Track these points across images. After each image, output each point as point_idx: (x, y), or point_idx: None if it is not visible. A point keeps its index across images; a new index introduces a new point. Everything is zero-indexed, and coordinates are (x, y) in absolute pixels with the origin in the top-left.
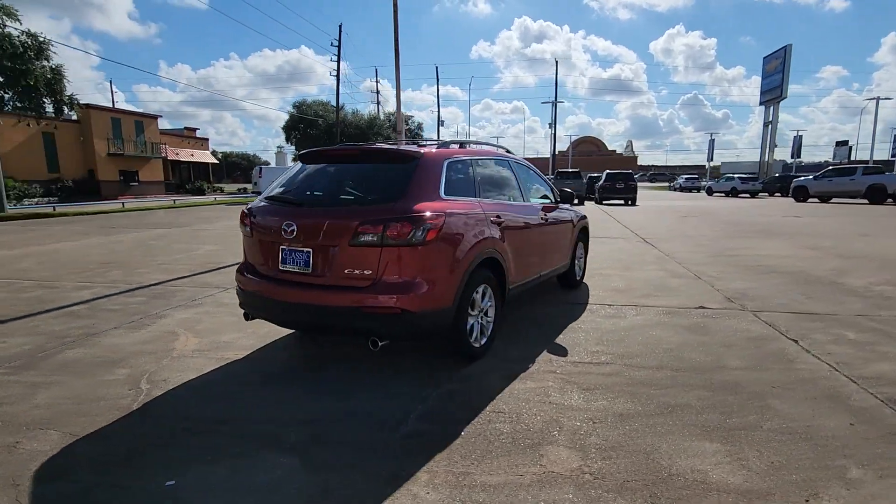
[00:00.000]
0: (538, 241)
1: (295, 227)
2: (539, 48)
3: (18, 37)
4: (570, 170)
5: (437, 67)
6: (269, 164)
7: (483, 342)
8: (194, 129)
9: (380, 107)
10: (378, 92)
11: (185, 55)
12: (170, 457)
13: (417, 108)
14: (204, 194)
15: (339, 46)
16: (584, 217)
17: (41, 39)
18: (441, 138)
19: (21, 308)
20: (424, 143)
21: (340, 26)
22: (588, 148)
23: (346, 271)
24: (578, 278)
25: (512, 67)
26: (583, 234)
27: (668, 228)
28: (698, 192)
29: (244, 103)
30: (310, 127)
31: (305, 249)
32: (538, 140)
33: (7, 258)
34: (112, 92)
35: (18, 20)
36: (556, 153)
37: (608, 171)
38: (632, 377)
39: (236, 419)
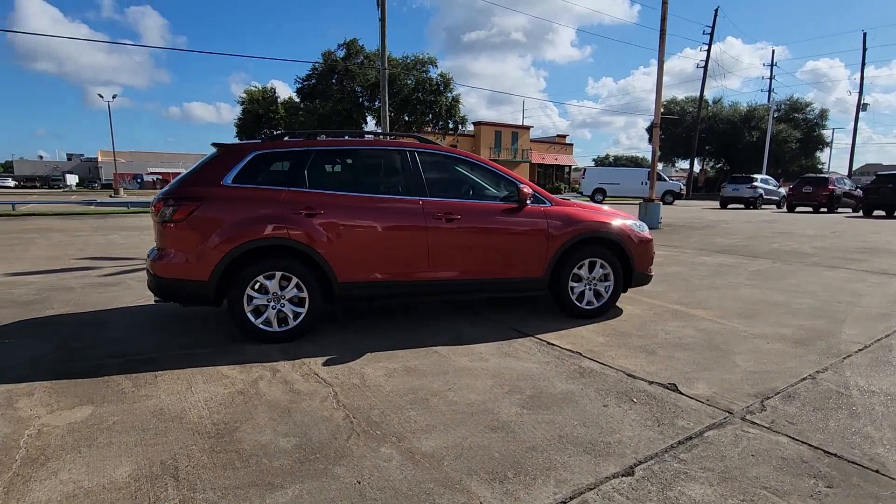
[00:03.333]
0: (423, 242)
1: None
2: None
3: (435, 77)
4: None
5: (864, 34)
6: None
7: (282, 328)
8: (564, 136)
9: (771, 94)
10: (772, 77)
11: (610, 69)
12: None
13: (882, 91)
14: (559, 193)
15: (711, 34)
16: (599, 226)
17: (448, 77)
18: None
19: None
20: (280, 135)
21: (716, 11)
22: None
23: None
24: (590, 307)
25: None
26: (599, 248)
27: None
28: None
29: (650, 107)
30: (673, 125)
31: None
32: None
33: None
34: (523, 109)
35: (436, 66)
36: None
37: None
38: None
39: (68, 325)
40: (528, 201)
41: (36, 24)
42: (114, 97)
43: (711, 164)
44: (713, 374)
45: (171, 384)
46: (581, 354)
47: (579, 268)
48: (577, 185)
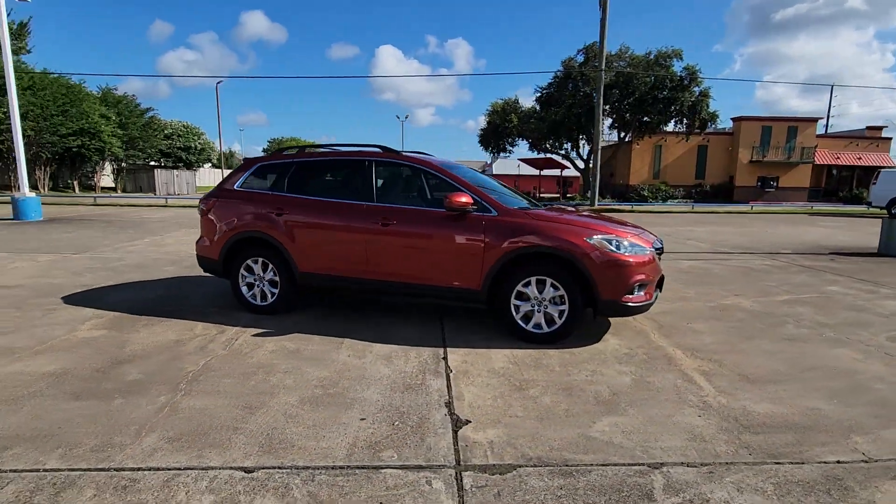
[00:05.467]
0: (363, 243)
1: None
2: None
3: (680, 72)
4: None
5: None
6: None
7: (263, 303)
8: (879, 128)
9: None
10: None
11: None
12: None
13: None
14: (860, 203)
15: None
16: (544, 239)
17: (693, 70)
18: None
19: None
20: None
21: None
22: None
23: None
24: (537, 331)
25: None
26: (549, 266)
27: None
28: None
29: None
30: None
31: None
32: None
33: None
34: (830, 97)
35: (681, 58)
36: None
37: None
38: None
39: (192, 283)
40: (470, 209)
41: (387, 65)
42: (406, 117)
43: None
44: (537, 426)
45: (159, 328)
46: (449, 374)
47: (525, 286)
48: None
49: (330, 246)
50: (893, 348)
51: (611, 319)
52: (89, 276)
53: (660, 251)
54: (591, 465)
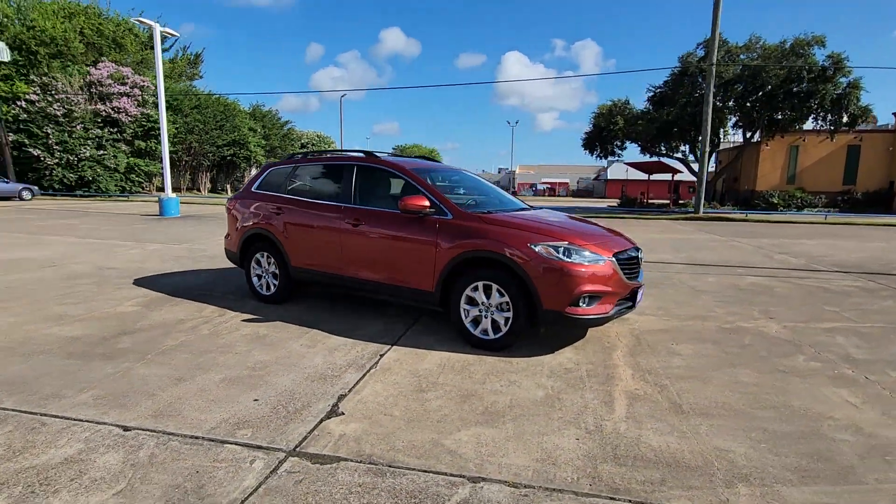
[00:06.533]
0: (338, 242)
1: None
2: None
3: (822, 61)
4: None
5: None
6: None
7: (268, 293)
8: None
9: None
10: None
11: None
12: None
13: None
14: None
15: None
16: (485, 243)
17: (839, 58)
18: None
19: None
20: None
21: None
22: None
23: None
24: (484, 337)
25: None
26: (494, 271)
27: None
28: None
29: None
30: None
31: None
32: None
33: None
34: None
35: (824, 45)
36: None
37: None
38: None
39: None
40: (427, 212)
41: (512, 70)
42: (517, 122)
43: None
44: (400, 427)
45: (178, 307)
46: (371, 368)
47: (474, 290)
48: None
49: (313, 243)
50: None
51: (590, 331)
52: (170, 263)
53: (632, 261)
54: (412, 469)
